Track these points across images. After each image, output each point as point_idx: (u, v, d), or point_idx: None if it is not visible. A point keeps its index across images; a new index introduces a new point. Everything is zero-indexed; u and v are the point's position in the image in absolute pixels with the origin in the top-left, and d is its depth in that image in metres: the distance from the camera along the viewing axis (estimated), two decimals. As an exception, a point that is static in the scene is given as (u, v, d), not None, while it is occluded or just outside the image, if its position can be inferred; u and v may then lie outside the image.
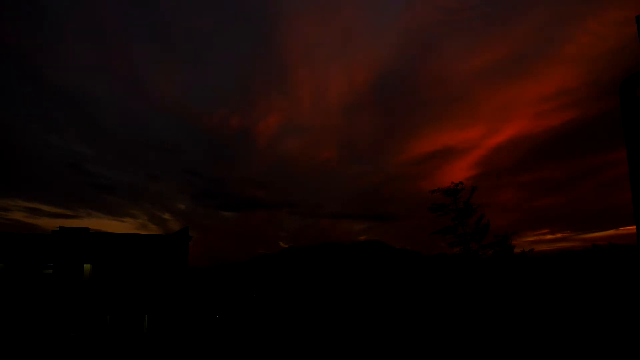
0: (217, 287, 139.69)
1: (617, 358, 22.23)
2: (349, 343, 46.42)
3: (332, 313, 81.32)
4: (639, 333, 23.09)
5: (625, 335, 23.47)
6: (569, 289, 31.23)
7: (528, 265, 28.34)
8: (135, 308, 32.84)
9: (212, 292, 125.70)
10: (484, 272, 28.64)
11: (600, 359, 22.57)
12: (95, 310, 31.69)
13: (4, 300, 30.02)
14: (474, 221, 28.09)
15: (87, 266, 32.52)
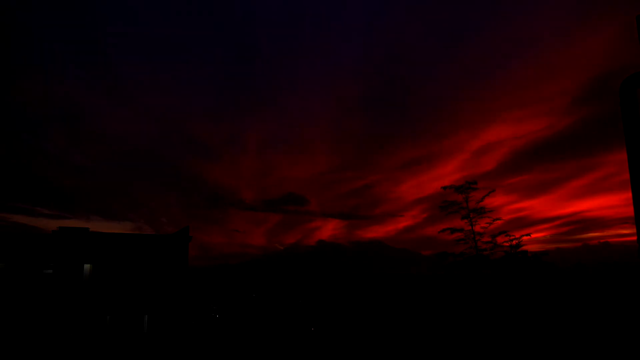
0: (217, 288, 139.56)
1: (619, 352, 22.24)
2: (349, 343, 46.38)
3: (333, 313, 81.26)
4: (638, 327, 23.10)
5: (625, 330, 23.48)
6: (574, 287, 31.26)
7: (532, 266, 28.20)
8: (135, 308, 32.82)
9: (212, 292, 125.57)
10: (493, 271, 28.50)
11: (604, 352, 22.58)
12: (95, 310, 31.67)
13: (4, 300, 30.01)
14: (484, 222, 27.95)
15: (87, 266, 32.50)
